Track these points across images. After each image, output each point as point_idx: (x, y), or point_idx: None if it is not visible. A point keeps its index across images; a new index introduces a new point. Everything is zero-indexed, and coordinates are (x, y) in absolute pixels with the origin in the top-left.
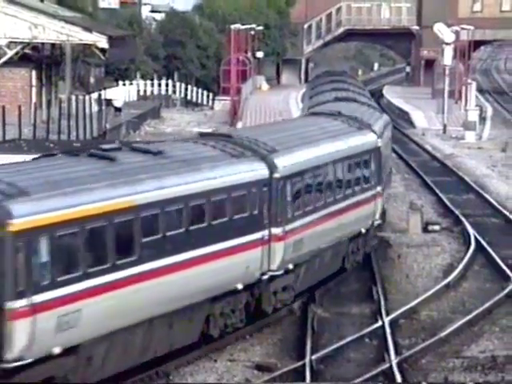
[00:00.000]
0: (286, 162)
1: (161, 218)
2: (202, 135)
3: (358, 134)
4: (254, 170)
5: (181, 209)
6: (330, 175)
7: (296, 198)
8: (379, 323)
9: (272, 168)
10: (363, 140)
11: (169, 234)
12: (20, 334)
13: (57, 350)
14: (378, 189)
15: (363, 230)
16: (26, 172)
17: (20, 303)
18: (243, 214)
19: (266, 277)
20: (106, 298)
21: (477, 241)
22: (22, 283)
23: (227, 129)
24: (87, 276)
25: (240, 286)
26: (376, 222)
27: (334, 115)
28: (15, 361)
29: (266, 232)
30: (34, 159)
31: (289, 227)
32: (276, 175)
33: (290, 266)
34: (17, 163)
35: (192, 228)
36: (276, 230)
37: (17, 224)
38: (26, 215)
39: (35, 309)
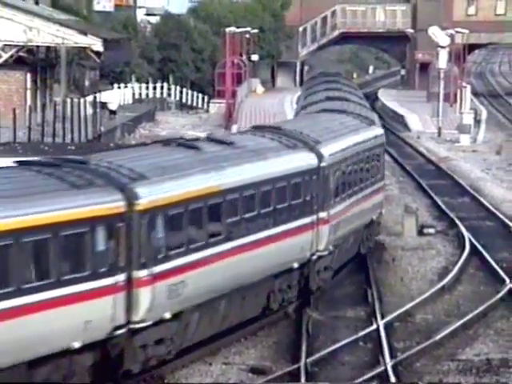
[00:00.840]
0: (329, 152)
1: (239, 201)
2: (255, 128)
3: (369, 128)
4: (307, 160)
5: (253, 194)
6: (357, 165)
7: (337, 185)
8: (374, 326)
9: (320, 157)
10: (373, 133)
11: (245, 216)
12: (143, 299)
13: (167, 315)
14: (383, 182)
15: (374, 218)
16: (138, 159)
17: (143, 273)
18: (299, 200)
19: (314, 257)
20: (201, 272)
21: (471, 244)
22: (144, 256)
23: (223, 132)
24: (189, 251)
25: (296, 265)
26: (382, 211)
27: (346, 112)
28: (139, 323)
29: (315, 216)
30: (132, 147)
31: (332, 211)
32: (323, 164)
33: (331, 248)
34: (123, 150)
35: (262, 211)
36: (323, 214)
37: (141, 204)
38: (147, 196)
39: (154, 278)
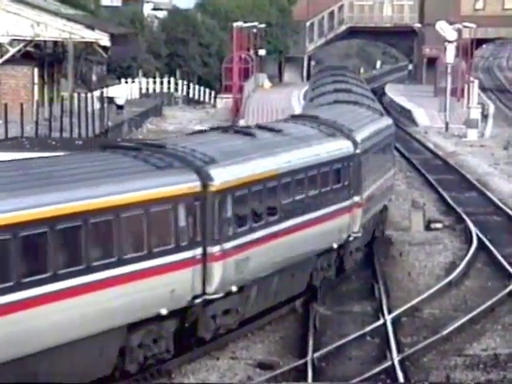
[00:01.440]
0: (362, 140)
1: (292, 185)
2: (294, 117)
3: (382, 119)
4: (345, 147)
5: (303, 178)
6: (379, 152)
7: (367, 170)
8: (381, 321)
9: (355, 144)
10: (386, 123)
11: (296, 198)
12: (216, 273)
13: (234, 288)
14: (394, 170)
15: (386, 203)
16: (208, 144)
17: (216, 249)
18: (339, 185)
19: (350, 238)
20: (261, 249)
21: (479, 239)
22: (217, 233)
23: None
24: (253, 230)
25: (335, 246)
26: (392, 197)
27: (358, 103)
28: (212, 294)
29: (351, 200)
30: (196, 134)
31: (364, 195)
32: (357, 151)
33: (362, 230)
34: (192, 136)
35: (309, 194)
36: (357, 198)
37: (215, 185)
38: (219, 178)
39: (225, 254)
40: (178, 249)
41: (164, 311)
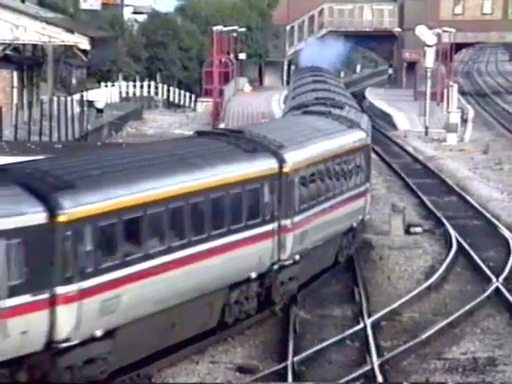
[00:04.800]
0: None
1: (342, 166)
2: (305, 112)
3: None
4: (361, 138)
5: (342, 161)
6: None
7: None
8: (361, 325)
9: (367, 135)
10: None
11: (348, 176)
12: (288, 243)
13: (297, 257)
14: (366, 186)
15: (355, 225)
16: (275, 130)
17: (288, 222)
18: (359, 171)
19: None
20: (316, 223)
21: (458, 243)
22: (288, 208)
23: None
24: (311, 207)
25: (355, 225)
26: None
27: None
28: (286, 261)
29: (366, 185)
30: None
31: (294, 220)
32: (368, 141)
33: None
34: (262, 124)
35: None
36: (367, 185)
37: (288, 167)
38: (291, 161)
39: (294, 227)
40: (264, 222)
41: (253, 275)
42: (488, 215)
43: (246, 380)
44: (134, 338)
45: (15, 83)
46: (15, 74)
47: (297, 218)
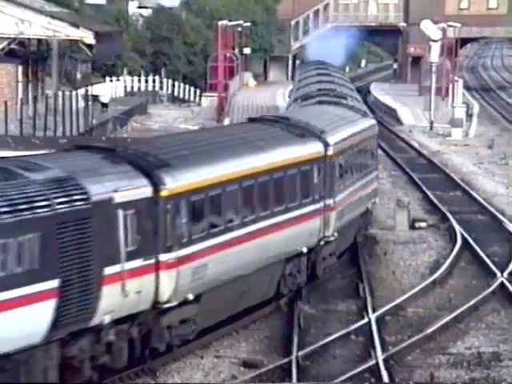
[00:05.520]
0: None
1: (367, 147)
2: (320, 102)
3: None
4: (373, 125)
5: (369, 144)
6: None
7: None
8: (365, 320)
9: (376, 125)
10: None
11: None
12: (332, 221)
13: (336, 235)
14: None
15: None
16: (316, 116)
17: (331, 201)
18: (373, 156)
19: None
20: (351, 202)
21: (463, 238)
22: (332, 189)
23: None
24: (346, 187)
25: (369, 207)
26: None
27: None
28: (329, 237)
29: (377, 171)
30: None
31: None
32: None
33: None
34: (300, 110)
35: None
36: (377, 171)
37: (331, 150)
38: (333, 145)
39: (335, 206)
40: (314, 201)
41: (305, 249)
42: (493, 210)
43: (251, 374)
44: (214, 304)
45: (20, 78)
46: (20, 68)
47: (337, 198)
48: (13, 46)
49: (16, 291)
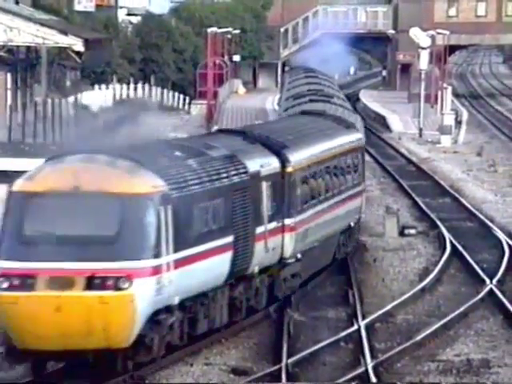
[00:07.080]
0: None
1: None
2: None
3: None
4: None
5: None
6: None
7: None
8: (355, 327)
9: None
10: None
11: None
12: (363, 201)
13: (363, 215)
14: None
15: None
16: (344, 110)
17: (364, 186)
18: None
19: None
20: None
21: (452, 245)
22: (364, 175)
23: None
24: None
25: (351, 223)
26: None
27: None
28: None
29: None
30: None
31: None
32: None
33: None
34: (327, 104)
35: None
36: (360, 188)
37: (364, 140)
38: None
39: (363, 191)
40: (358, 184)
41: (352, 223)
42: (482, 217)
43: (240, 382)
44: (309, 262)
45: (9, 85)
46: (9, 75)
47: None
48: (2, 53)
49: (213, 243)
